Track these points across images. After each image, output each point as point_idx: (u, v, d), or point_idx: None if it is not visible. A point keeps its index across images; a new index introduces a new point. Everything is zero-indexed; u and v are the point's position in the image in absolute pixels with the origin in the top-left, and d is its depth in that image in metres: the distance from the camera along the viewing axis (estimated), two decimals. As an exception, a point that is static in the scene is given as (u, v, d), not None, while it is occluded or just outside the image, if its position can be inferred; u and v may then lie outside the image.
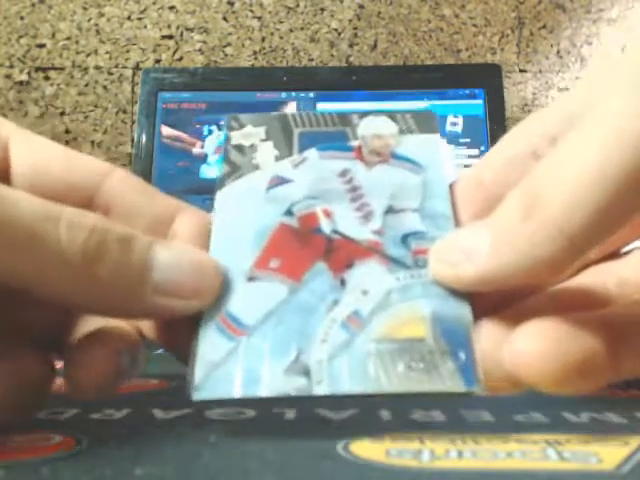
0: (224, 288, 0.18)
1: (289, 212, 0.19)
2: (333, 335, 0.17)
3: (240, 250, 0.19)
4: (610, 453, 0.16)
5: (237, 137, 0.22)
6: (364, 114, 0.22)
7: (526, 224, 0.15)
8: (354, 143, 0.21)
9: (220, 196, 0.20)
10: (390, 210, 0.19)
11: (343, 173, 0.20)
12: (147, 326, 0.20)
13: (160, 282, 0.17)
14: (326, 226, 0.19)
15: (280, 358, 0.17)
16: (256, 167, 0.21)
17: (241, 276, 0.18)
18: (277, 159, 0.21)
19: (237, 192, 0.20)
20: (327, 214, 0.19)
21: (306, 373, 0.17)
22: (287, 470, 0.15)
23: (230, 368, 0.17)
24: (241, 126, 0.22)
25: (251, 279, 0.18)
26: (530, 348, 0.15)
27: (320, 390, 0.16)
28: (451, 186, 0.20)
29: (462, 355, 0.17)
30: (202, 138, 0.67)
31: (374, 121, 0.21)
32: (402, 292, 0.18)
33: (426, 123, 0.21)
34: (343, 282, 0.18)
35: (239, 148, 0.21)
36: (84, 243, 0.15)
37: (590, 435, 0.18)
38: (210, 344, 0.17)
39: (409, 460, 0.16)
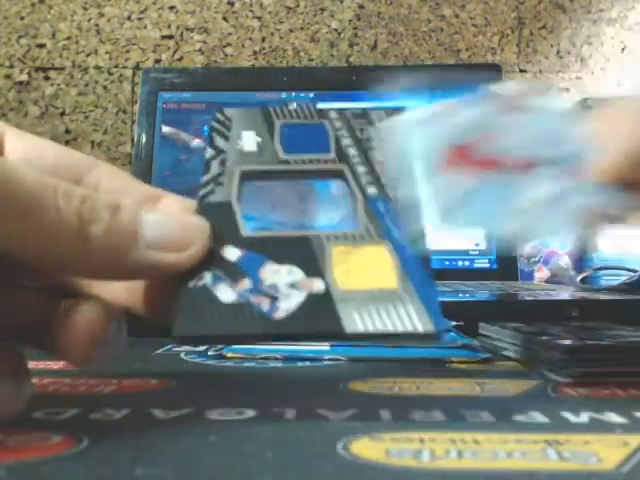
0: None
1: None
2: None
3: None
4: (610, 453, 0.16)
5: (221, 127, 0.23)
6: (340, 111, 0.24)
7: None
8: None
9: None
10: None
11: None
12: (131, 296, 0.20)
13: (151, 238, 0.18)
14: None
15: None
16: (240, 151, 0.22)
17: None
18: (259, 145, 0.23)
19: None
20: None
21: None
22: (287, 470, 0.15)
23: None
24: (227, 119, 0.24)
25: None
26: None
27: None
28: None
29: (430, 298, 0.18)
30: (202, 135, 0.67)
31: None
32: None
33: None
34: None
35: (223, 135, 0.23)
36: (78, 208, 0.17)
37: (590, 435, 0.18)
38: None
39: (409, 460, 0.16)
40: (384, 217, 0.21)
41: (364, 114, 0.24)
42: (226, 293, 0.19)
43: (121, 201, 0.18)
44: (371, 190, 0.21)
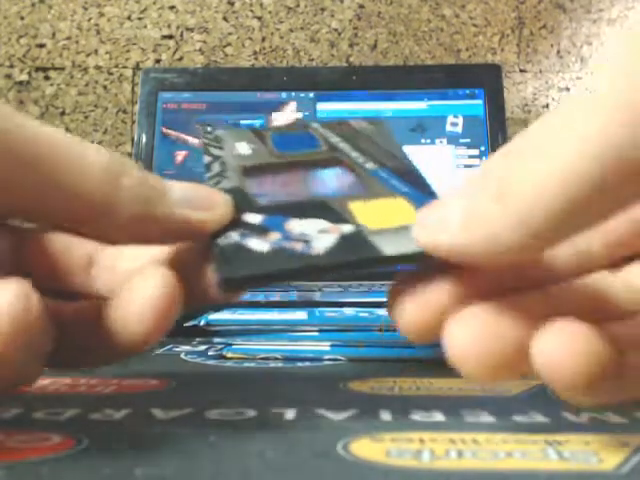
0: None
1: None
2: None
3: None
4: (610, 453, 0.16)
5: (213, 141, 0.24)
6: (323, 122, 0.25)
7: (495, 207, 0.15)
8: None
9: None
10: None
11: None
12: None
13: (179, 197, 0.18)
14: None
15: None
16: (237, 156, 0.23)
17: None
18: (254, 150, 0.23)
19: None
20: None
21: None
22: (287, 470, 0.15)
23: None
24: (216, 137, 0.24)
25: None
26: (562, 350, 0.15)
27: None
28: None
29: None
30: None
31: None
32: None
33: (380, 127, 0.24)
34: None
35: (216, 146, 0.23)
36: (109, 161, 0.18)
37: (590, 435, 0.18)
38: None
39: (409, 460, 0.16)
40: (389, 180, 0.21)
41: (345, 123, 0.24)
42: (258, 244, 0.18)
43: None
44: (369, 165, 0.22)
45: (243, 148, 0.23)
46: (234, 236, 0.19)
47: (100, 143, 0.83)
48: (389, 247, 0.18)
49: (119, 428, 0.19)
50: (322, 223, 0.19)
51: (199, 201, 0.19)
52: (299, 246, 0.18)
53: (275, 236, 0.19)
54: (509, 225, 0.15)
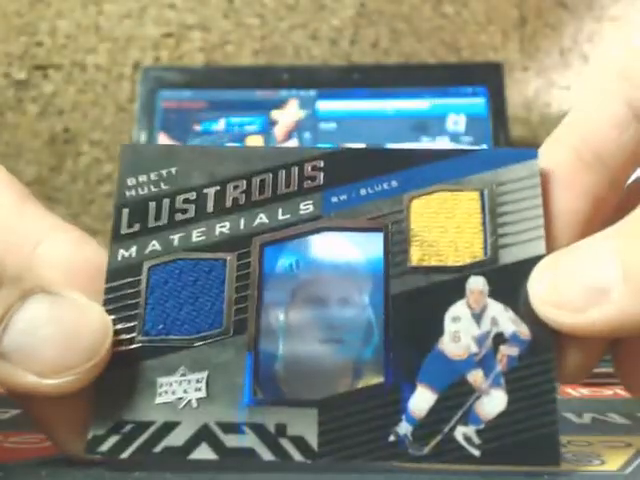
0: None
1: None
2: None
3: None
4: (613, 454, 0.16)
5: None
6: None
7: None
8: None
9: None
10: None
11: None
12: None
13: (10, 346, 0.13)
14: None
15: None
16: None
17: None
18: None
19: None
20: None
21: None
22: (287, 470, 0.15)
23: None
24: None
25: None
26: None
27: None
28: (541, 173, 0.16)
29: None
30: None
31: None
32: None
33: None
34: None
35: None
36: None
37: (592, 436, 0.18)
38: None
39: (411, 461, 0.16)
40: (353, 198, 0.18)
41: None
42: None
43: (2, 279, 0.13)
44: (309, 208, 0.18)
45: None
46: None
47: (99, 142, 0.83)
48: None
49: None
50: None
51: (36, 360, 0.13)
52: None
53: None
54: None
